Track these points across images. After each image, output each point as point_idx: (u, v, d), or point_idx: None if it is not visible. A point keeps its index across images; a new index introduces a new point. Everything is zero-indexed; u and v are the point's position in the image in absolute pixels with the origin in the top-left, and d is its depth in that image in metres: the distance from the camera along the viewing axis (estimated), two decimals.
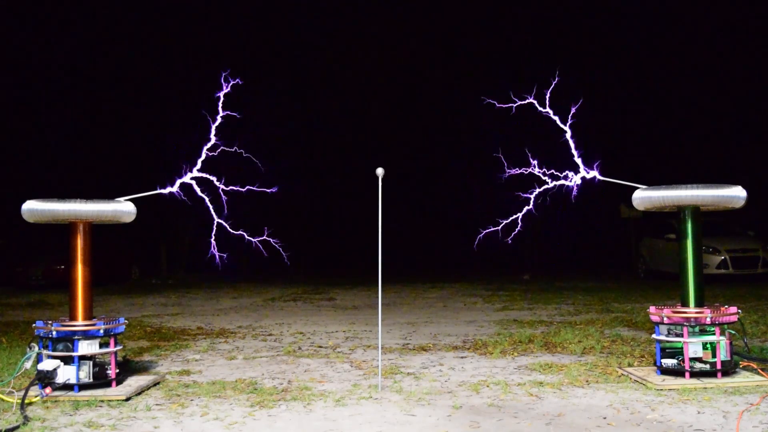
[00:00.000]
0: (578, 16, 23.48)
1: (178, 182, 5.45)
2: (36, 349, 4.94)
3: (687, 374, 4.86)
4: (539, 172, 5.59)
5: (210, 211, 5.56)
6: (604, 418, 4.04)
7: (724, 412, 4.10)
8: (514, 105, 5.71)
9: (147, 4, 21.09)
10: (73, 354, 4.84)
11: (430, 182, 26.78)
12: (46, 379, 4.74)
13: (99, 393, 4.76)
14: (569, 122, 5.53)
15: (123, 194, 5.31)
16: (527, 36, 23.87)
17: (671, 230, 14.93)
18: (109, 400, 4.63)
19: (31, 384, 4.73)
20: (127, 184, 6.64)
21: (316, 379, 5.32)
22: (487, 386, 4.92)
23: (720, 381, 4.77)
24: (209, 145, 5.53)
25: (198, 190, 5.47)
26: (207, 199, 5.54)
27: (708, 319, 4.86)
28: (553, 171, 5.57)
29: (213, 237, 5.63)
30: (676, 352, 5.00)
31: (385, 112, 24.85)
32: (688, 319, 4.90)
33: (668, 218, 15.39)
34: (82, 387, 4.82)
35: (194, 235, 21.20)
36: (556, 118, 5.53)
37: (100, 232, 8.15)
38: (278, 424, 4.04)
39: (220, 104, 5.62)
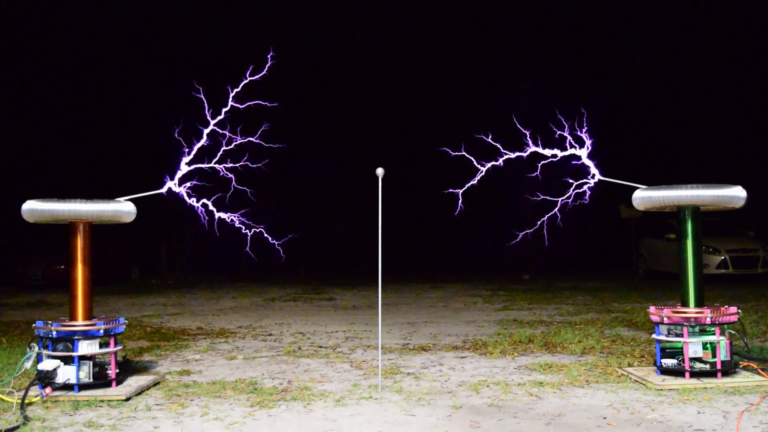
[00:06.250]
0: (577, 16, 23.50)
1: (168, 185, 5.44)
2: (36, 349, 4.94)
3: (687, 374, 4.86)
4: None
5: (200, 213, 5.56)
6: (604, 418, 4.04)
7: (724, 412, 4.10)
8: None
9: (147, 4, 21.11)
10: (73, 354, 4.84)
11: (431, 182, 26.78)
12: (46, 379, 4.74)
13: (99, 393, 4.77)
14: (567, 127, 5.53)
15: (123, 194, 5.31)
16: (526, 37, 23.88)
17: (671, 230, 14.93)
18: (109, 400, 4.63)
19: (31, 384, 4.73)
20: (127, 184, 6.63)
21: (316, 379, 5.32)
22: (487, 386, 4.92)
23: (720, 381, 4.77)
24: (195, 144, 5.53)
25: (186, 196, 5.47)
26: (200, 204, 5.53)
27: (708, 319, 4.87)
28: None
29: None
30: (676, 352, 5.00)
31: (386, 111, 24.85)
32: (688, 319, 4.91)
33: (668, 218, 15.39)
34: (82, 387, 4.83)
35: (194, 234, 21.17)
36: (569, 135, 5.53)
37: (100, 232, 8.14)
38: (278, 424, 4.05)
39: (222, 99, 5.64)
